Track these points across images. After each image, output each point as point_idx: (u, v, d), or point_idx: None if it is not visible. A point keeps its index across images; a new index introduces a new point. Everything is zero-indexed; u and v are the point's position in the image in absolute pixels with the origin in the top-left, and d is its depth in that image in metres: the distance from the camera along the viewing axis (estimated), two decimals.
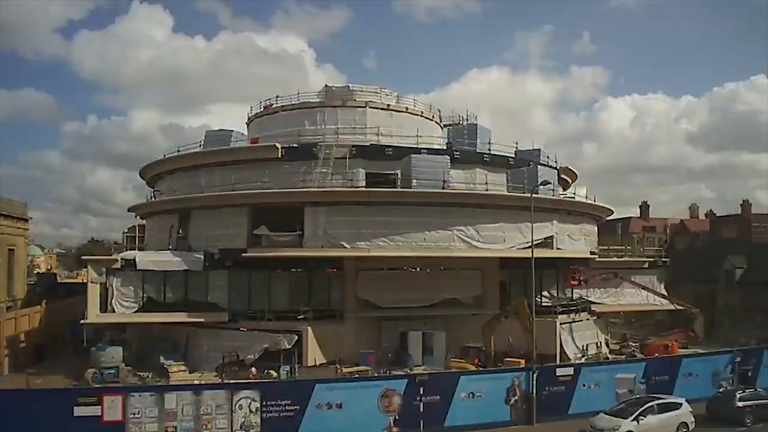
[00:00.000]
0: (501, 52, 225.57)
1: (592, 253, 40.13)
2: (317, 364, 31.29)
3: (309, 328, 31.62)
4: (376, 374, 28.50)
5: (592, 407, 24.31)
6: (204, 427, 21.19)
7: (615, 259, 42.53)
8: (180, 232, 36.89)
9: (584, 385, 25.78)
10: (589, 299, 39.21)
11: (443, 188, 33.55)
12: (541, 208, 33.24)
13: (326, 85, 42.22)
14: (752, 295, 47.13)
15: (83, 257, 39.15)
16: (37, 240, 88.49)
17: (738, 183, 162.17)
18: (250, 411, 21.54)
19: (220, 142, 39.01)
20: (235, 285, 33.37)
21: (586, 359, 33.80)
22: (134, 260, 32.75)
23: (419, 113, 42.41)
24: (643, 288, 40.45)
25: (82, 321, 32.67)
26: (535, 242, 28.80)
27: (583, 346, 36.23)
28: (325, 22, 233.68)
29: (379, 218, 32.72)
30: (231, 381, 25.77)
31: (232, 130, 40.81)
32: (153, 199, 41.81)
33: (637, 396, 25.13)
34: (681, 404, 23.85)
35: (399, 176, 34.38)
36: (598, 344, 38.24)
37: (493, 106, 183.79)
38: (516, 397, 24.64)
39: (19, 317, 36.30)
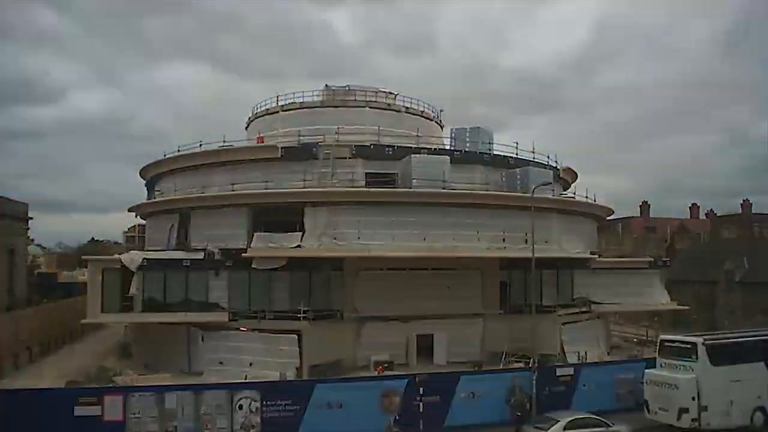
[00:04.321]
0: None
1: (592, 253, 40.17)
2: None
3: (309, 328, 31.59)
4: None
5: (592, 407, 24.30)
6: (204, 427, 21.24)
7: (615, 259, 42.54)
8: (179, 233, 36.93)
9: (584, 385, 25.81)
10: (590, 299, 39.18)
11: (443, 188, 33.55)
12: (541, 208, 33.24)
13: (326, 85, 42.25)
14: (752, 295, 47.18)
15: (83, 257, 39.17)
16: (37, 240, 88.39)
17: None
18: (250, 411, 21.60)
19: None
20: (235, 285, 33.40)
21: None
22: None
23: (419, 113, 42.39)
24: None
25: (82, 321, 32.72)
26: (534, 242, 28.78)
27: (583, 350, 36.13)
28: None
29: (379, 218, 32.70)
30: (232, 381, 25.80)
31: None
32: (153, 199, 41.83)
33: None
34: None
35: (399, 176, 34.38)
36: (606, 351, 38.21)
37: None
38: (516, 397, 24.63)
39: (19, 317, 36.39)
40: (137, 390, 21.72)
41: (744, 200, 60.40)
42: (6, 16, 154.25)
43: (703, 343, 23.08)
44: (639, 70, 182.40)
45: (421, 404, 23.16)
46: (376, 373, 29.14)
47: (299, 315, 31.16)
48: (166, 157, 39.71)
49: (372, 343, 33.11)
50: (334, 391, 22.78)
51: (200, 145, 38.51)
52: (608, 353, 38.24)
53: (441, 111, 44.84)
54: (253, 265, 32.62)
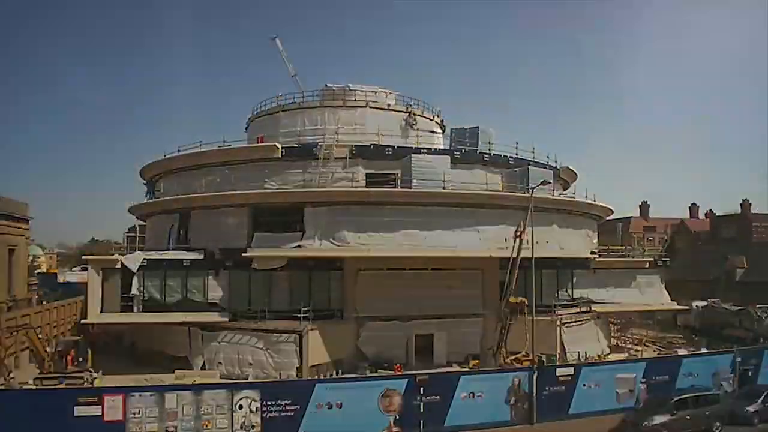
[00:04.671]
0: None
1: (592, 252, 40.14)
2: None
3: (309, 327, 31.59)
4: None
5: (592, 407, 24.29)
6: (204, 427, 21.21)
7: (616, 259, 42.50)
8: (179, 233, 36.93)
9: (584, 385, 25.78)
10: (590, 299, 39.14)
11: (443, 188, 33.55)
12: (541, 208, 33.23)
13: (326, 85, 42.18)
14: (752, 294, 47.17)
15: (83, 257, 39.19)
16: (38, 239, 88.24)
17: None
18: (251, 411, 21.56)
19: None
20: (236, 285, 33.38)
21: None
22: None
23: (420, 113, 42.40)
24: None
25: (82, 320, 32.74)
26: (534, 242, 28.75)
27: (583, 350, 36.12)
28: None
29: (379, 218, 32.72)
30: (233, 381, 25.79)
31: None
32: (153, 199, 41.81)
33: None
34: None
35: (399, 176, 34.40)
36: (603, 348, 38.15)
37: None
38: (516, 397, 24.63)
39: (19, 317, 36.31)
40: (137, 390, 21.71)
41: (744, 200, 60.40)
42: None
43: None
44: None
45: (421, 404, 23.16)
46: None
47: (299, 315, 31.17)
48: (166, 157, 39.68)
49: (372, 343, 33.15)
50: (334, 391, 22.75)
51: (200, 145, 38.53)
52: (608, 352, 38.26)
53: (440, 111, 44.87)
54: (253, 265, 32.65)
